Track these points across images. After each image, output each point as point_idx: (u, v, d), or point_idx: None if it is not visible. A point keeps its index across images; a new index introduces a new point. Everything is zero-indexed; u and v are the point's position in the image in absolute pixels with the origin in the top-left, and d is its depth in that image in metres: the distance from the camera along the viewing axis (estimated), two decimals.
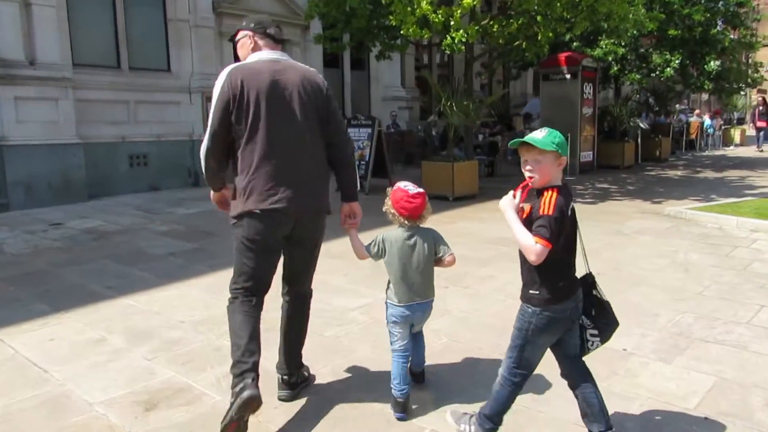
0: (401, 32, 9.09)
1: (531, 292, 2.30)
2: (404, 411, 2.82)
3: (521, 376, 2.40)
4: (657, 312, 4.24)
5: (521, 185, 2.29)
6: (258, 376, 2.62)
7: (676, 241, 6.37)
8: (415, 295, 2.84)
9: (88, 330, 4.04)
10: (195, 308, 4.46)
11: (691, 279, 5.02)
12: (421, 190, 2.87)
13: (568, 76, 12.69)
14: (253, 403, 2.51)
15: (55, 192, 9.23)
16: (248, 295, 2.88)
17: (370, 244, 2.90)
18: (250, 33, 2.86)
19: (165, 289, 4.95)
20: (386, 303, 2.95)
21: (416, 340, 3.10)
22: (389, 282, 2.93)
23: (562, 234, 2.19)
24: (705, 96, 31.67)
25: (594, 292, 2.45)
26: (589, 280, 2.45)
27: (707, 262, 5.51)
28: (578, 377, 2.50)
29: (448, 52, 9.31)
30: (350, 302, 4.50)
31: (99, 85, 10.09)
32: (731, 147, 21.51)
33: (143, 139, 10.81)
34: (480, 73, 15.72)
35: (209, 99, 11.31)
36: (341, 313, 4.29)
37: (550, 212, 2.14)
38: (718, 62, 13.71)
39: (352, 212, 3.01)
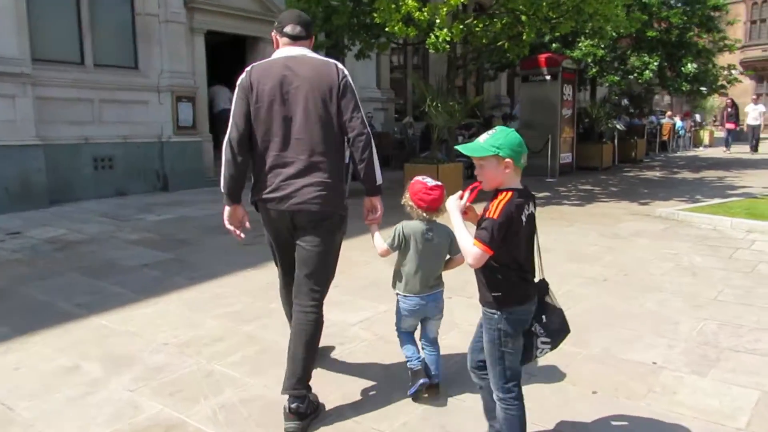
0: (386, 30, 8.76)
1: (494, 294, 2.18)
2: (426, 376, 2.91)
3: (517, 387, 2.27)
4: (677, 320, 4.00)
5: (470, 186, 2.22)
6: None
7: (675, 243, 6.19)
8: (427, 287, 2.88)
9: (58, 356, 3.58)
10: (178, 327, 4.03)
11: (701, 283, 4.81)
12: (439, 183, 2.85)
13: (547, 78, 12.54)
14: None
15: (12, 198, 8.57)
16: (285, 282, 3.10)
17: (390, 237, 2.91)
18: (274, 32, 2.93)
19: (142, 306, 4.49)
20: (397, 296, 2.97)
21: (430, 349, 3.03)
22: (399, 275, 2.94)
23: (514, 239, 2.11)
24: (667, 98, 32.17)
25: (546, 298, 2.35)
26: (542, 287, 2.35)
27: (713, 265, 5.32)
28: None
29: (432, 51, 9.01)
30: (349, 317, 4.14)
31: (61, 82, 9.46)
32: (701, 148, 21.85)
33: (108, 141, 10.20)
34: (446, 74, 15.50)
35: (180, 98, 10.81)
36: (341, 329, 3.92)
37: (496, 216, 2.06)
38: (695, 64, 13.79)
39: (373, 207, 2.94)
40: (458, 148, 2.27)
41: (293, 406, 2.67)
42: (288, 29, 2.85)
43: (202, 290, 4.86)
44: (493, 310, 2.19)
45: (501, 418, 2.28)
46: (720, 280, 4.88)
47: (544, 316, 2.31)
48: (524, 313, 2.22)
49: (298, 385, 2.72)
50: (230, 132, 2.81)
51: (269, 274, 5.23)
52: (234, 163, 2.81)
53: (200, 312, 4.33)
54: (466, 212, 2.24)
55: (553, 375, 3.22)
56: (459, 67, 11.16)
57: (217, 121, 12.21)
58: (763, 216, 7.10)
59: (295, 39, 2.86)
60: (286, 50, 2.85)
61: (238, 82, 2.82)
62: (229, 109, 10.02)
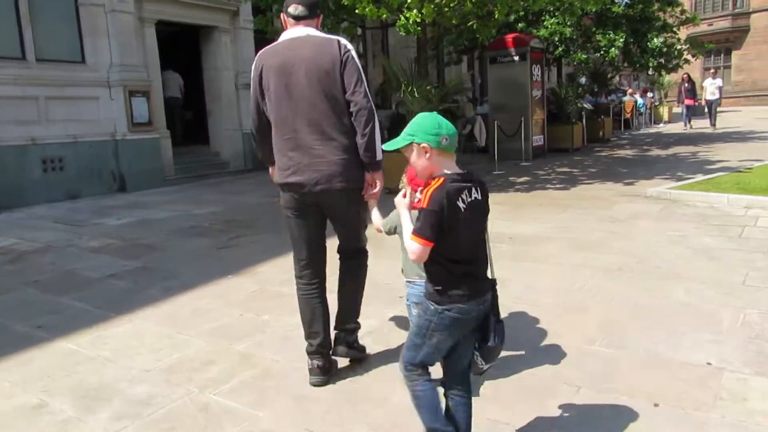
0: (356, 12, 8.24)
1: (435, 287, 2.06)
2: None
3: (421, 368, 2.14)
4: (714, 311, 3.68)
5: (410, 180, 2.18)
6: (325, 357, 2.97)
7: (678, 224, 5.92)
8: None
9: (19, 392, 3.03)
10: (160, 349, 3.50)
11: (722, 267, 4.52)
12: None
13: (516, 58, 12.23)
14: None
15: None
16: (301, 271, 3.04)
17: (385, 220, 2.90)
18: (282, 13, 2.94)
19: (114, 325, 3.94)
20: (405, 283, 2.88)
21: None
22: (403, 261, 2.86)
23: (455, 228, 1.96)
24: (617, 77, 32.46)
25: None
26: (492, 288, 2.16)
27: (726, 246, 5.06)
28: (460, 390, 2.22)
29: (403, 33, 8.55)
30: None
31: (0, 80, 8.64)
32: (661, 124, 22.02)
33: (57, 141, 9.48)
34: (416, 58, 15.04)
35: (133, 93, 10.10)
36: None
37: (425, 205, 1.95)
38: (661, 39, 13.67)
39: (372, 181, 2.92)
40: (383, 146, 2.25)
41: (342, 334, 3.10)
42: (291, 9, 2.85)
43: (180, 303, 4.32)
44: (432, 302, 2.05)
45: (409, 394, 2.16)
46: (740, 262, 4.60)
47: (485, 331, 2.12)
48: (465, 311, 2.03)
49: (347, 321, 3.12)
50: (251, 122, 3.07)
51: (253, 282, 4.74)
52: (260, 148, 3.09)
53: (182, 329, 3.80)
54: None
55: (603, 385, 2.85)
56: (425, 50, 10.71)
57: (165, 107, 11.46)
58: (755, 190, 6.93)
59: (297, 19, 2.86)
60: (290, 32, 2.87)
61: (252, 73, 2.90)
62: (177, 98, 9.99)
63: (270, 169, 3.14)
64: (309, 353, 2.99)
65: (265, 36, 10.21)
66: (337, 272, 3.16)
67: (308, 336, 3.01)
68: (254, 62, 2.90)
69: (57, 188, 9.41)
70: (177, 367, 3.24)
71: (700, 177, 8.46)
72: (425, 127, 2.02)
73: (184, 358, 3.36)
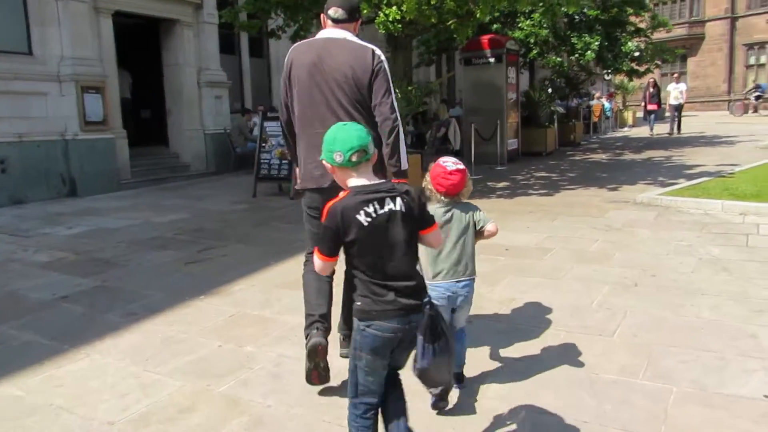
0: None
1: (356, 302, 2.00)
2: (460, 381, 2.82)
3: (364, 406, 2.03)
4: (750, 331, 3.35)
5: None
6: (325, 325, 2.86)
7: (679, 233, 5.63)
8: (458, 272, 2.65)
9: None
10: (126, 393, 2.93)
11: (741, 280, 4.21)
12: (460, 166, 2.67)
13: (491, 60, 11.91)
14: (318, 348, 2.75)
15: None
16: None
17: None
18: (322, 13, 2.98)
19: (68, 361, 3.34)
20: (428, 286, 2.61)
21: (457, 338, 2.68)
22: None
23: (366, 242, 1.91)
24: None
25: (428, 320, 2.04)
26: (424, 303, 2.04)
27: (737, 257, 4.77)
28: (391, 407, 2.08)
29: (382, 31, 8.11)
30: None
31: None
32: (626, 128, 22.17)
33: (0, 140, 8.64)
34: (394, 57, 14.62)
35: (86, 89, 9.26)
36: None
37: (322, 219, 1.96)
38: (635, 43, 13.60)
39: None
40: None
41: (346, 334, 3.01)
42: (331, 12, 2.91)
43: (146, 331, 3.74)
44: (356, 319, 1.99)
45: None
46: (758, 274, 4.31)
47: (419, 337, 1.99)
48: (386, 329, 1.94)
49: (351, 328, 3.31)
50: (281, 116, 3.09)
51: (229, 303, 4.20)
52: (288, 143, 3.16)
53: (151, 366, 3.24)
54: None
55: (658, 429, 2.45)
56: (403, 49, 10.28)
57: None
58: (747, 196, 6.74)
59: (336, 22, 2.91)
60: (327, 32, 2.92)
61: (284, 66, 2.96)
62: (129, 99, 9.40)
63: (296, 170, 3.14)
64: (308, 326, 2.87)
65: (231, 30, 9.61)
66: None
67: (311, 308, 2.90)
68: (287, 56, 2.95)
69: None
70: (149, 417, 2.69)
71: (683, 182, 8.27)
72: (326, 143, 2.01)
73: (156, 404, 2.81)
